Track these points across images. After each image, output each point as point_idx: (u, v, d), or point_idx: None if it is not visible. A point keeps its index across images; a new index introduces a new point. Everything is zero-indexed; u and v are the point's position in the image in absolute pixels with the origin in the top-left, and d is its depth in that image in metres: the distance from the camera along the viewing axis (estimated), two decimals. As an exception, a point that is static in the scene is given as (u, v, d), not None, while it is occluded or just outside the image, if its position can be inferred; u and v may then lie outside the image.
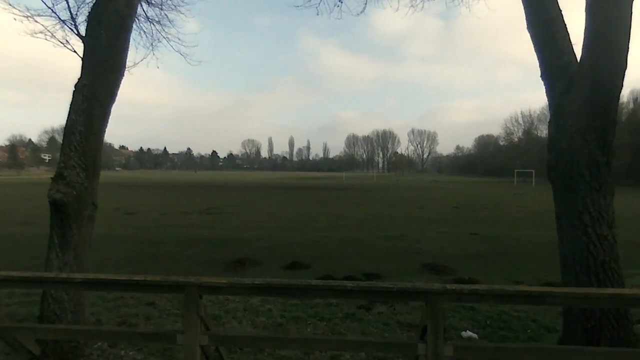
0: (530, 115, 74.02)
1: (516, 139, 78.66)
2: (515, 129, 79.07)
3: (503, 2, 6.95)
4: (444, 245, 8.81)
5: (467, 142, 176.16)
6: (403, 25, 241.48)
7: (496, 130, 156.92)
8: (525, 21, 3.59)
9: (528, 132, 76.16)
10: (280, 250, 8.19)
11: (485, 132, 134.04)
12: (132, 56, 5.08)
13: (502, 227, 11.85)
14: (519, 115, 78.08)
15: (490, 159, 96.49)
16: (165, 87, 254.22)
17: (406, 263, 7.08)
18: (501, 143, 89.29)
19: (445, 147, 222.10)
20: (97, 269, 4.37)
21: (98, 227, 10.55)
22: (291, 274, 6.40)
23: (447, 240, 9.41)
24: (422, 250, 8.09)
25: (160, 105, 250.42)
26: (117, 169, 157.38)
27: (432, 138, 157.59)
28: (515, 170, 47.75)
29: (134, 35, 4.29)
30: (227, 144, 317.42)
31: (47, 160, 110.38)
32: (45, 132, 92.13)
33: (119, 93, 3.88)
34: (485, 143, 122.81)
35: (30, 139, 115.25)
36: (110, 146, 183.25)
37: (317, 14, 6.35)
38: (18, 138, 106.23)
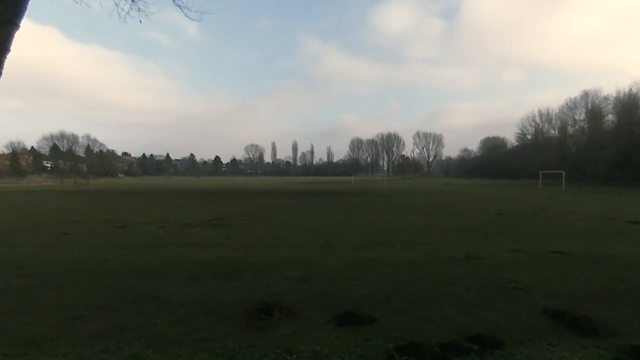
0: (549, 113, 71.21)
1: (530, 137, 75.86)
2: (531, 129, 76.24)
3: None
4: (540, 273, 6.39)
5: (472, 145, 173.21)
6: (405, 25, 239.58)
7: (502, 132, 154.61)
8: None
9: (542, 132, 73.44)
10: (318, 284, 5.81)
11: (490, 134, 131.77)
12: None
13: (584, 242, 9.42)
14: (536, 114, 75.29)
15: (501, 161, 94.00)
16: (166, 93, 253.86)
17: (516, 309, 4.67)
18: (514, 143, 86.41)
19: (449, 149, 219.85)
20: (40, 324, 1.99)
21: (78, 246, 8.13)
22: (347, 333, 4.02)
23: (535, 264, 6.99)
24: (520, 284, 5.68)
25: (163, 112, 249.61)
26: (120, 175, 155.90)
27: (437, 140, 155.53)
28: (541, 172, 45.11)
29: None
30: (230, 149, 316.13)
31: (49, 168, 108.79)
32: (44, 138, 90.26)
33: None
34: (491, 145, 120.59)
35: (32, 147, 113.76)
36: (113, 153, 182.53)
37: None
38: (16, 145, 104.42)
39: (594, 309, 4.66)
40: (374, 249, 8.54)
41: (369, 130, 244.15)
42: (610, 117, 58.71)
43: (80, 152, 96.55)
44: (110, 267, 6.99)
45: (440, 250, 8.35)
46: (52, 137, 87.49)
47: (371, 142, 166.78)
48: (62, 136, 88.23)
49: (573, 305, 4.78)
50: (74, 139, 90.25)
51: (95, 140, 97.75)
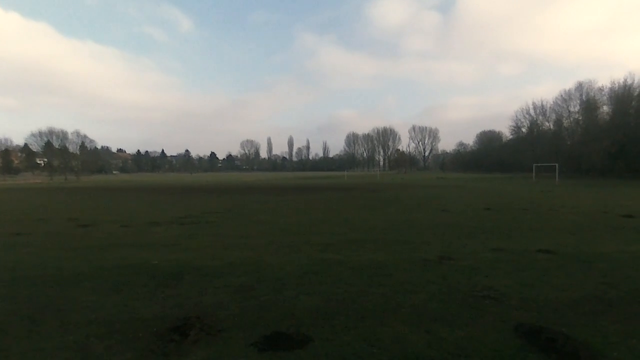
0: (543, 106, 70.44)
1: (525, 131, 75.16)
2: (526, 122, 75.52)
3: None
4: (519, 277, 5.61)
5: (468, 139, 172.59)
6: (400, 18, 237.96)
7: (498, 126, 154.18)
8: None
9: (537, 125, 72.75)
10: (263, 293, 5.01)
11: (486, 128, 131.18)
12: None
13: (573, 239, 8.66)
14: (530, 106, 74.47)
15: (497, 155, 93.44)
16: (162, 90, 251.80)
17: (484, 325, 3.88)
18: (509, 136, 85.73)
19: (446, 143, 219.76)
20: None
21: (22, 248, 6.87)
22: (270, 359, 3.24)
23: (514, 267, 6.21)
24: (494, 292, 4.89)
25: (158, 108, 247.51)
26: (114, 172, 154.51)
27: (433, 135, 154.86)
28: (534, 165, 44.35)
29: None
30: (226, 145, 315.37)
31: (42, 165, 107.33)
32: (33, 135, 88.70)
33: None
34: (487, 139, 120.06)
35: (26, 144, 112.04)
36: (108, 149, 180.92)
37: None
38: (2, 142, 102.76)
39: (576, 323, 3.89)
40: (343, 249, 7.74)
41: (365, 125, 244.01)
42: (605, 108, 58.04)
43: (73, 149, 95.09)
44: (36, 273, 6.16)
45: (414, 251, 7.56)
46: (40, 133, 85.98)
47: (367, 137, 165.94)
48: (51, 132, 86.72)
49: (552, 319, 4.00)
50: (63, 135, 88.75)
51: (85, 137, 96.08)
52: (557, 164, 39.26)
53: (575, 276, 5.57)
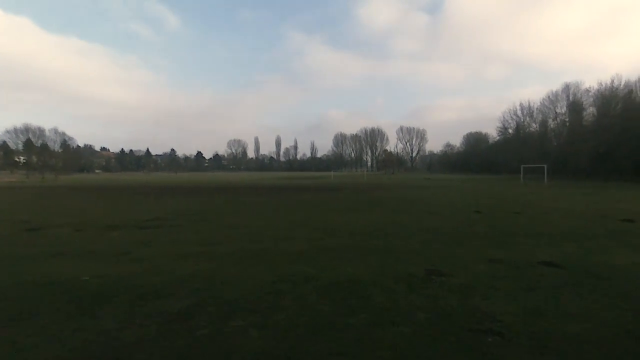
0: (530, 107, 70.45)
1: (511, 132, 75.18)
2: (513, 123, 75.53)
3: None
4: (524, 300, 4.58)
5: (455, 140, 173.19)
6: (389, 19, 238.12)
7: (484, 127, 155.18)
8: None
9: (524, 126, 72.80)
10: (199, 325, 3.87)
11: (473, 130, 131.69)
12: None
13: (576, 248, 7.71)
14: (517, 107, 74.46)
15: (483, 156, 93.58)
16: (148, 87, 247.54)
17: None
18: (496, 137, 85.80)
19: (433, 144, 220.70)
20: None
21: None
22: None
23: (517, 285, 5.18)
24: (497, 324, 3.84)
25: (144, 106, 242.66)
26: (97, 171, 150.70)
27: (421, 135, 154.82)
28: (522, 166, 43.88)
29: None
30: (213, 145, 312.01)
31: (21, 164, 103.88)
32: (7, 131, 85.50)
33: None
34: (474, 140, 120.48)
35: (4, 141, 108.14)
36: (91, 148, 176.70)
37: None
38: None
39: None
40: (315, 260, 6.65)
41: (354, 126, 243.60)
42: (591, 109, 58.09)
43: (53, 146, 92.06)
44: None
45: (398, 262, 6.50)
46: (15, 130, 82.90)
47: (355, 137, 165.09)
48: (27, 129, 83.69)
49: (579, 367, 2.97)
50: (40, 132, 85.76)
51: (64, 134, 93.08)
52: (545, 166, 38.82)
53: (592, 299, 4.56)
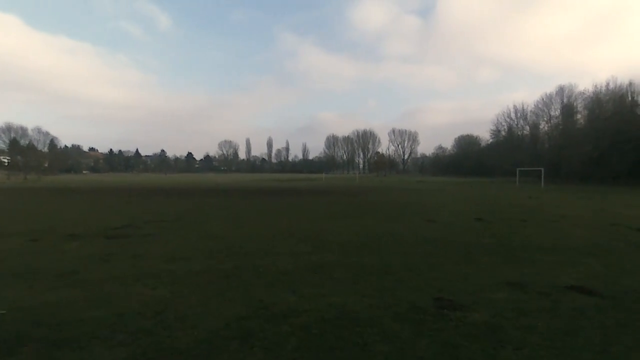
0: (524, 109, 70.04)
1: (504, 134, 74.76)
2: (506, 125, 75.10)
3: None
4: (568, 350, 3.48)
5: (447, 143, 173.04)
6: (381, 21, 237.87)
7: (476, 130, 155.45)
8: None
9: (517, 129, 72.43)
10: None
11: (464, 133, 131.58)
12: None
13: (599, 264, 6.64)
14: (511, 110, 74.03)
15: (475, 158, 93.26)
16: (138, 87, 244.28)
17: None
18: (489, 140, 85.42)
19: (425, 147, 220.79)
20: None
21: None
22: None
23: (552, 324, 4.08)
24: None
25: (133, 106, 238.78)
26: (84, 172, 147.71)
27: (413, 138, 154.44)
28: (518, 170, 43.12)
29: None
30: (204, 146, 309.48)
31: (6, 164, 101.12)
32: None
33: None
34: (465, 143, 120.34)
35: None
36: (79, 148, 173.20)
37: None
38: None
39: None
40: (299, 284, 5.49)
41: (346, 128, 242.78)
42: (585, 112, 57.71)
43: (36, 146, 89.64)
44: None
45: (398, 286, 5.37)
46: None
47: (347, 139, 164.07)
48: (9, 128, 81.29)
49: None
50: (22, 131, 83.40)
51: (48, 133, 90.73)
52: (542, 169, 38.10)
53: (657, 347, 3.47)
